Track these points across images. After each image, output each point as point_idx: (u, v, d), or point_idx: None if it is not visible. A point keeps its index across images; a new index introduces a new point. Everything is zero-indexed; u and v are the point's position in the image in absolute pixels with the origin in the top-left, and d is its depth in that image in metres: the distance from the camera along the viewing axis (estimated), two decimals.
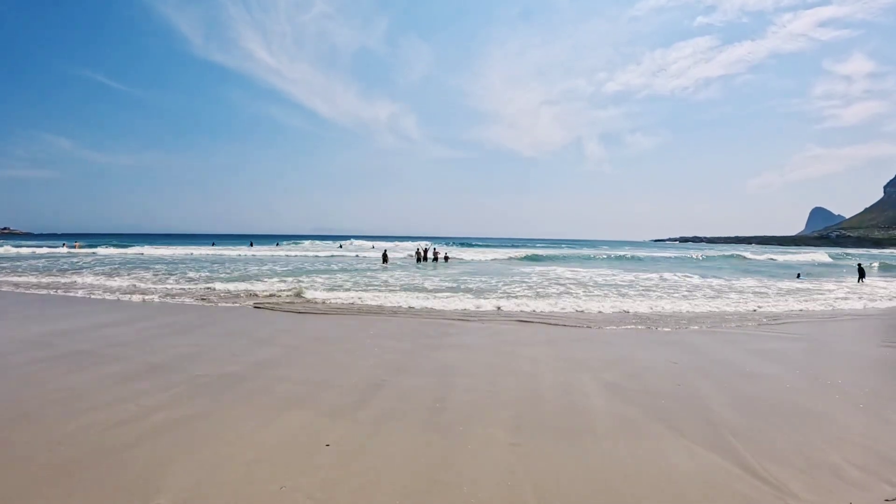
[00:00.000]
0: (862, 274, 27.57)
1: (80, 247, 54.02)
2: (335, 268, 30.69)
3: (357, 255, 43.87)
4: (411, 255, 40.33)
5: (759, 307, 15.90)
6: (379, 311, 13.86)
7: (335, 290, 18.21)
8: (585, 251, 66.09)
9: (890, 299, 18.97)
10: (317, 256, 44.74)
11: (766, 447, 4.96)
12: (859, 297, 19.03)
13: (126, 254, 45.61)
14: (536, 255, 49.96)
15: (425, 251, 38.75)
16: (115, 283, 20.20)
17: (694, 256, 54.86)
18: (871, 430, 5.47)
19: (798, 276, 30.74)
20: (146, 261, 35.88)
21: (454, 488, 4.11)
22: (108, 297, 16.35)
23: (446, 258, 38.80)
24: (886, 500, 3.99)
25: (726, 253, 61.91)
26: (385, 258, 35.66)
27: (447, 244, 78.18)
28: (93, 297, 16.35)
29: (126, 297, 16.13)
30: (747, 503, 3.94)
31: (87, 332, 10.25)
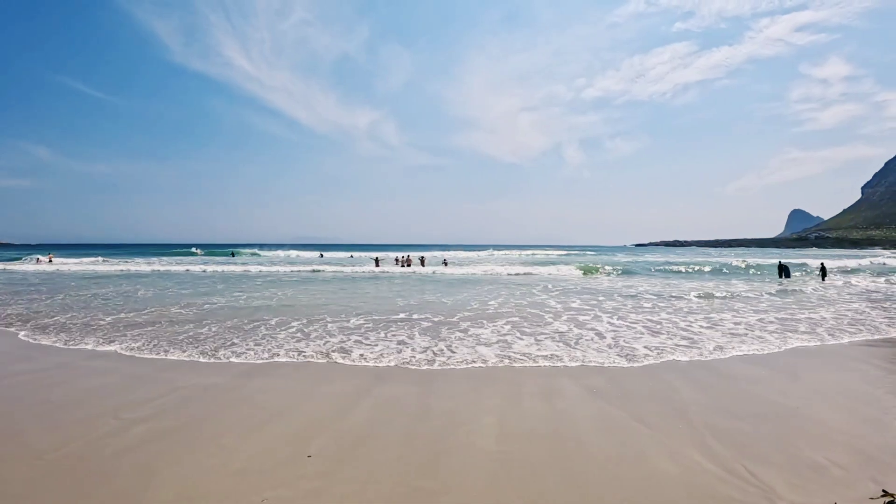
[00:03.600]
0: (824, 273, 28.24)
1: (52, 259, 46.81)
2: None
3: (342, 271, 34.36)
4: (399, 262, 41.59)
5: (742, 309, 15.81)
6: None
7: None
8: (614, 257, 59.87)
9: (848, 300, 18.98)
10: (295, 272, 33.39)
11: (749, 449, 4.82)
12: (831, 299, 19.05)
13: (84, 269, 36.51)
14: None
15: (407, 259, 40.47)
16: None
17: (740, 265, 40.82)
18: (853, 430, 5.34)
19: (783, 268, 31.02)
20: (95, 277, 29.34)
21: (438, 496, 3.94)
22: None
23: (414, 262, 39.29)
24: (871, 498, 3.86)
25: (770, 259, 47.39)
26: (377, 263, 38.39)
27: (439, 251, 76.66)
28: None
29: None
30: None
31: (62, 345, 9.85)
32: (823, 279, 27.45)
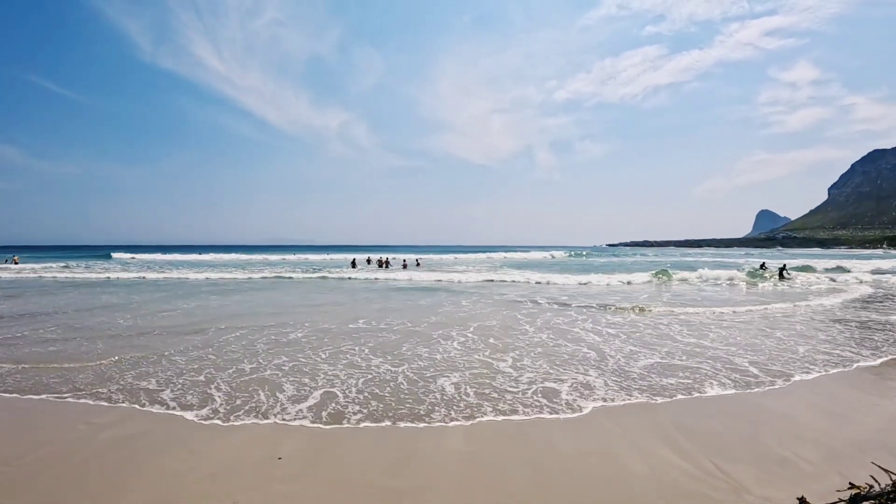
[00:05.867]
0: (782, 274, 29.24)
1: (17, 262, 43.02)
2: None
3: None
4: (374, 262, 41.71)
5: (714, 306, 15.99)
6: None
7: None
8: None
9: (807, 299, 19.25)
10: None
11: (718, 445, 4.74)
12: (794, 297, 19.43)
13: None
14: None
15: (386, 260, 40.81)
16: None
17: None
18: (820, 425, 5.30)
19: (762, 265, 31.82)
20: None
21: (408, 496, 3.80)
22: None
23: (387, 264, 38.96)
24: (838, 491, 3.86)
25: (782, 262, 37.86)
26: (354, 264, 38.16)
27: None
28: None
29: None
30: (700, 500, 3.72)
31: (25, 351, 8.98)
32: (781, 279, 28.01)
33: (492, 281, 25.71)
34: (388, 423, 5.38)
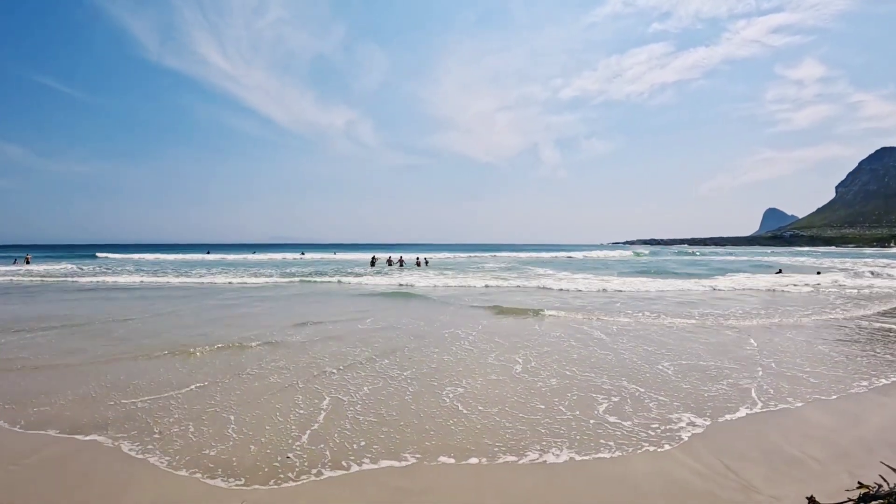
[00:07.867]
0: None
1: (29, 261, 41.43)
2: None
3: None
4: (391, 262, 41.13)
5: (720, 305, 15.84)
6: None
7: None
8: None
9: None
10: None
11: (726, 444, 4.70)
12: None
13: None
14: None
15: (400, 259, 40.53)
16: None
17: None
18: (829, 424, 5.23)
19: (779, 271, 31.78)
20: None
21: (419, 496, 3.79)
22: None
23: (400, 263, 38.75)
24: (847, 490, 3.82)
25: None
26: (373, 262, 38.21)
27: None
28: None
29: None
30: (708, 499, 3.69)
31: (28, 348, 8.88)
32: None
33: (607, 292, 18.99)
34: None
